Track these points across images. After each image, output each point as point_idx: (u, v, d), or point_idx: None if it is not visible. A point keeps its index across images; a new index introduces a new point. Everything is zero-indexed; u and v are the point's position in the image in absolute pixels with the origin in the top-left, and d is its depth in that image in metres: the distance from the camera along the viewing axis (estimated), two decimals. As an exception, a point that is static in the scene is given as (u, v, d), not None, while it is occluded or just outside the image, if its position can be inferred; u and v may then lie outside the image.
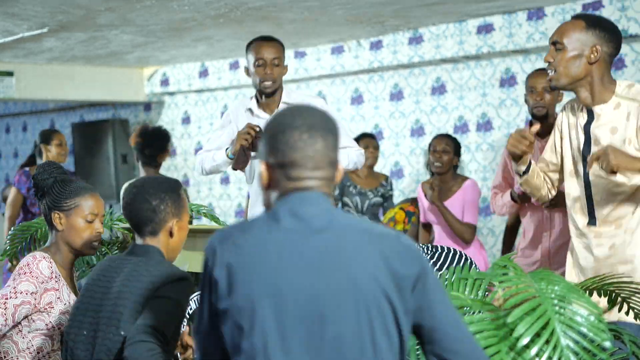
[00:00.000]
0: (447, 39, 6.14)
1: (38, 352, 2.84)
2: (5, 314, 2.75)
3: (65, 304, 2.86)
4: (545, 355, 1.98)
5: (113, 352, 2.40)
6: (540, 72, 4.20)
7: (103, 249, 3.82)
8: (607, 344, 2.03)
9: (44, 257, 2.86)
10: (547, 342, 2.00)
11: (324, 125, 1.85)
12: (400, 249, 1.80)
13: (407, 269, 1.79)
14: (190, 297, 3.27)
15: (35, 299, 2.80)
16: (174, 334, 2.43)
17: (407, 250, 1.82)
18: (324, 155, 1.83)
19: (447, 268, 3.63)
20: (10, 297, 2.77)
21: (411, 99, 6.63)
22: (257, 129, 3.88)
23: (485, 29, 5.91)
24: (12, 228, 3.96)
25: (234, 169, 4.06)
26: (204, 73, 7.90)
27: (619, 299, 2.77)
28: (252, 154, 3.97)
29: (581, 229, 3.23)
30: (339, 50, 6.84)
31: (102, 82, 8.07)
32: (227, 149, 4.00)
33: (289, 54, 7.13)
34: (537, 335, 2.02)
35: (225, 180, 7.97)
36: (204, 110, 8.20)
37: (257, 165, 4.03)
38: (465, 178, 5.04)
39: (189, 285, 2.50)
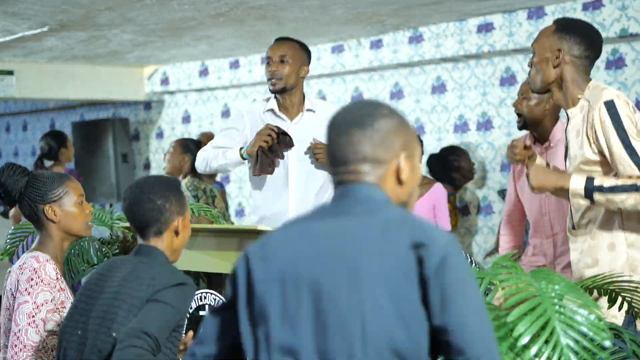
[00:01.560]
0: (447, 38, 6.14)
1: (52, 351, 2.84)
2: (39, 332, 2.76)
3: (71, 300, 2.87)
4: (545, 355, 1.98)
5: (103, 353, 2.38)
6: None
7: (104, 249, 3.82)
8: (607, 343, 2.03)
9: (47, 260, 2.83)
10: (547, 341, 2.00)
11: (353, 119, 1.81)
12: (419, 239, 1.69)
13: (424, 262, 1.68)
14: (195, 296, 3.26)
15: (54, 305, 2.81)
16: (170, 339, 2.40)
17: (423, 240, 1.69)
18: (349, 150, 1.79)
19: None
20: (36, 314, 2.76)
21: (411, 98, 6.63)
22: (277, 130, 3.82)
23: (486, 28, 5.91)
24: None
25: (257, 174, 3.89)
26: (204, 72, 7.90)
27: (619, 298, 2.77)
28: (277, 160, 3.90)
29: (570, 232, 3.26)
30: (339, 49, 6.84)
31: (102, 81, 8.07)
32: (241, 149, 3.92)
33: (289, 53, 7.13)
34: (537, 335, 2.02)
35: (225, 180, 7.97)
36: (204, 110, 8.20)
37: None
38: (432, 181, 5.03)
39: (189, 290, 2.45)
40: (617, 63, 5.45)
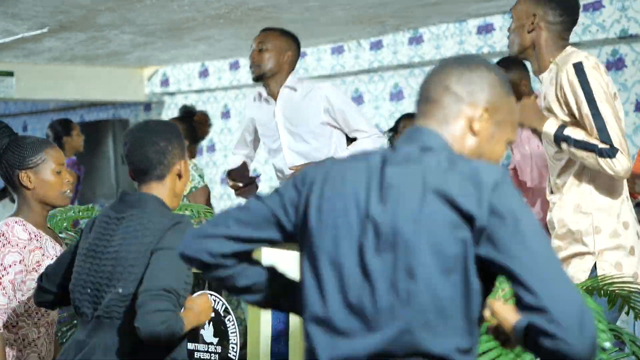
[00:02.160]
0: (447, 39, 6.14)
1: (37, 313, 2.81)
2: (5, 293, 2.70)
3: (51, 258, 2.80)
4: (546, 356, 1.97)
5: (112, 309, 2.36)
6: None
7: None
8: (607, 344, 2.03)
9: (15, 222, 2.77)
10: (548, 342, 1.99)
11: (457, 59, 1.79)
12: (465, 188, 1.61)
13: (468, 211, 1.60)
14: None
15: (25, 266, 2.74)
16: (185, 286, 2.37)
17: (471, 188, 1.61)
18: (436, 78, 1.75)
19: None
20: (3, 276, 2.70)
21: (411, 99, 6.63)
22: (237, 184, 4.16)
23: (486, 29, 5.91)
24: None
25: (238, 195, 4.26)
26: (204, 73, 7.90)
27: (620, 298, 2.77)
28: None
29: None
30: (339, 51, 6.83)
31: (102, 82, 8.07)
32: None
33: (289, 54, 7.14)
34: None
35: (225, 180, 7.97)
36: (204, 110, 8.20)
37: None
38: None
39: (186, 226, 2.38)
40: (617, 64, 5.45)
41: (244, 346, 3.19)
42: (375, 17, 5.81)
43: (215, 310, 3.28)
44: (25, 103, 9.67)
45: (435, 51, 6.21)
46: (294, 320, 3.07)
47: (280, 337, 3.54)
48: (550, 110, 3.07)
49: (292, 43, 4.18)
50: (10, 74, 7.56)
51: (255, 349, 3.06)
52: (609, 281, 2.74)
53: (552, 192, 3.20)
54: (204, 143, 8.11)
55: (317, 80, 4.38)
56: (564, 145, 2.98)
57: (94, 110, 9.30)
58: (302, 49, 7.02)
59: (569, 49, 3.10)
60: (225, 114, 8.00)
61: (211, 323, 3.26)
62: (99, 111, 9.23)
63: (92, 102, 8.66)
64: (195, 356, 3.29)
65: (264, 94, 4.17)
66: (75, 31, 6.12)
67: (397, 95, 6.72)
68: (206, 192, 5.35)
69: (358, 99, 6.99)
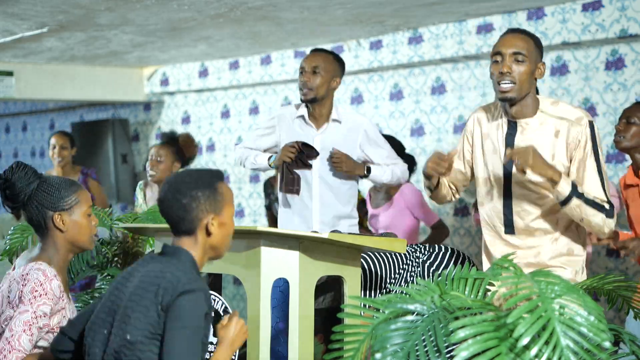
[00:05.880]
0: (447, 38, 6.14)
1: None
2: (32, 341, 2.62)
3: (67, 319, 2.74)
4: (545, 356, 1.97)
5: (120, 356, 2.31)
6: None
7: (104, 250, 3.82)
8: (607, 344, 2.03)
9: (54, 276, 2.69)
10: (547, 342, 2.00)
11: None
12: None
13: None
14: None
15: (49, 320, 2.68)
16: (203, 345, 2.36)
17: None
18: None
19: (447, 268, 3.63)
20: (33, 323, 2.62)
21: (411, 99, 6.63)
22: (299, 145, 3.95)
23: (485, 28, 5.91)
24: None
25: (283, 191, 4.05)
26: (203, 73, 7.90)
27: (619, 298, 2.78)
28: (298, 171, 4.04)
29: (500, 235, 3.27)
30: (339, 50, 6.83)
31: (102, 82, 8.07)
32: (270, 158, 4.10)
33: (288, 53, 7.14)
34: (537, 335, 2.02)
35: (226, 180, 7.96)
36: (204, 110, 8.20)
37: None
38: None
39: (198, 297, 2.32)
40: (616, 64, 5.45)
41: (243, 346, 3.19)
42: (375, 16, 5.81)
43: (215, 310, 3.28)
44: (25, 103, 9.67)
45: (435, 51, 6.21)
46: (294, 320, 3.07)
47: (280, 337, 3.54)
48: (552, 158, 3.12)
49: (340, 70, 4.11)
50: (10, 73, 7.56)
51: (255, 349, 3.07)
52: (608, 280, 2.74)
53: (511, 233, 3.23)
54: (204, 143, 8.12)
55: (354, 111, 4.32)
56: (574, 201, 2.99)
57: (93, 110, 9.30)
58: (301, 49, 7.05)
59: (540, 97, 3.19)
60: (225, 114, 8.00)
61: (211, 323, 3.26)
62: (99, 111, 9.23)
63: (92, 101, 8.66)
64: (195, 356, 3.29)
65: (306, 116, 4.07)
66: (75, 31, 6.12)
67: (396, 95, 6.73)
68: None
69: (357, 99, 7.00)
